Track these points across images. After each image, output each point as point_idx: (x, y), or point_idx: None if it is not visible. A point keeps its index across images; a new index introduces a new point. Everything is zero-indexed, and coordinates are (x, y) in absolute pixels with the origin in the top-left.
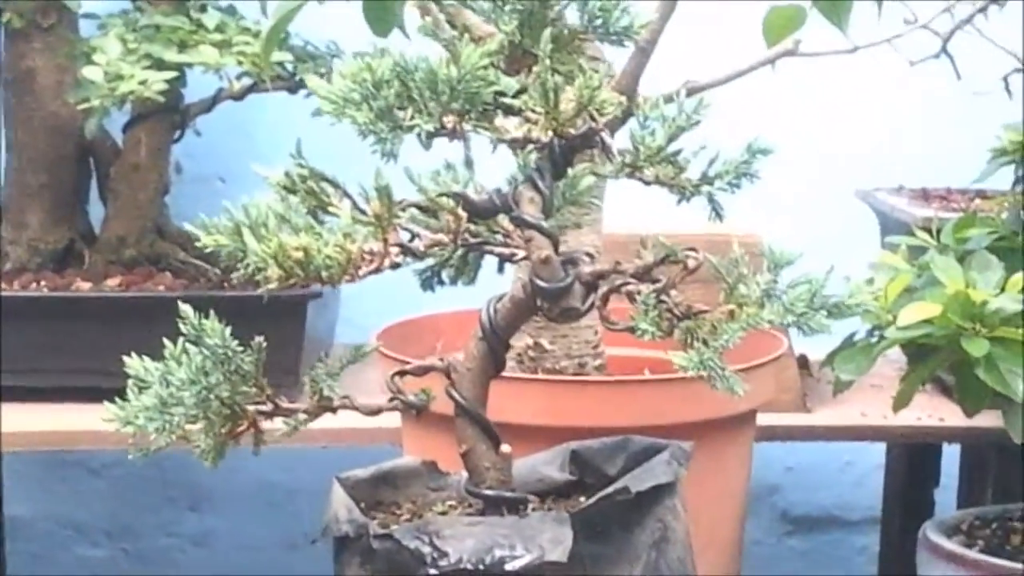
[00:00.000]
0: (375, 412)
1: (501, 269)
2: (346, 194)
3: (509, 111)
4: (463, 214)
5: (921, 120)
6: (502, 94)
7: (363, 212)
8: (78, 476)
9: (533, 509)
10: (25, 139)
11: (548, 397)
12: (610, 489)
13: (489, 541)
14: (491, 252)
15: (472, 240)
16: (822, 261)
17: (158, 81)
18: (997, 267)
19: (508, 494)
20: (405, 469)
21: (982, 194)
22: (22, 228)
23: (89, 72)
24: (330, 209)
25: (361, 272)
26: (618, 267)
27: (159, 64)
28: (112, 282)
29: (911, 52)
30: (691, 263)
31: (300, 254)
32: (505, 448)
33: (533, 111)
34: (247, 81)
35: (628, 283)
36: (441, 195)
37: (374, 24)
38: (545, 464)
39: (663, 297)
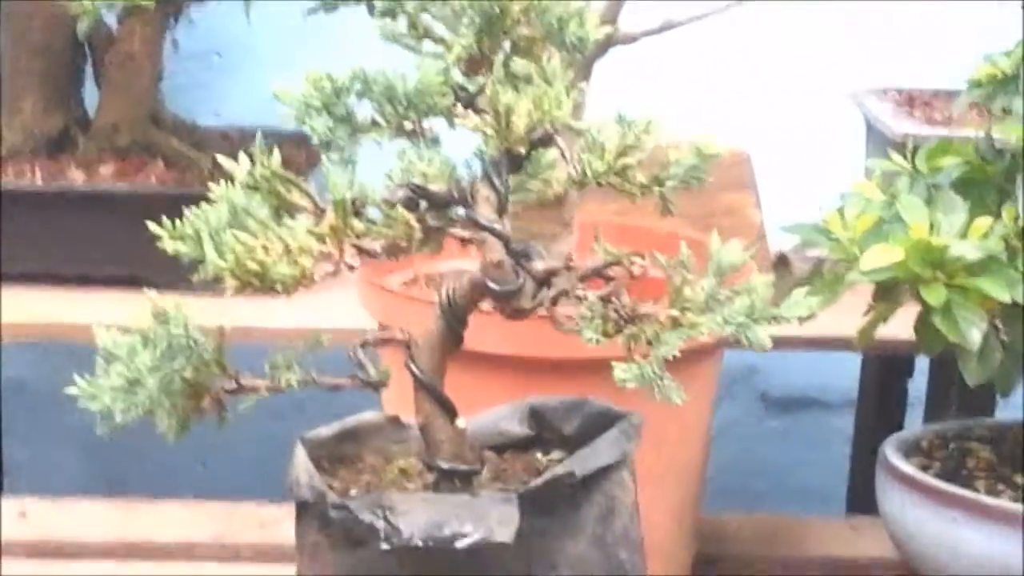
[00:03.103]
0: (335, 388)
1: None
2: (307, 195)
3: (469, 105)
4: (416, 225)
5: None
6: (463, 89)
7: (318, 223)
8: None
9: (487, 474)
10: (20, 24)
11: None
12: (556, 472)
13: (440, 518)
14: (451, 236)
15: (431, 227)
16: (813, 170)
17: None
18: (962, 208)
19: (460, 467)
20: (368, 424)
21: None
22: (17, 113)
23: None
24: (289, 216)
25: (316, 280)
26: (569, 264)
27: None
28: (105, 170)
29: None
30: (636, 270)
31: (256, 267)
32: (460, 422)
33: (484, 131)
34: None
35: (576, 288)
36: (400, 187)
37: None
38: (505, 419)
39: (610, 299)
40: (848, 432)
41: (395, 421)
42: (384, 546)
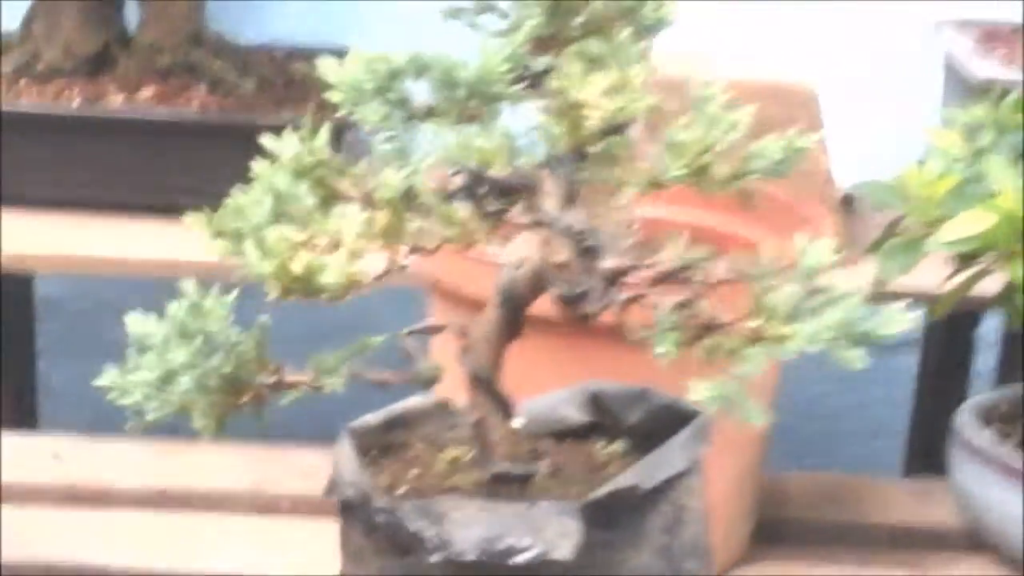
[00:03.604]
0: (383, 383)
1: None
2: (358, 183)
3: (534, 86)
4: (475, 226)
5: None
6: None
7: (367, 214)
8: None
9: (544, 470)
10: None
11: None
12: (620, 483)
13: (496, 530)
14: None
15: (489, 212)
16: (886, 108)
17: None
18: None
19: (516, 470)
20: (417, 410)
21: None
22: (56, 29)
23: None
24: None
25: (366, 287)
26: (642, 261)
27: None
28: (146, 92)
29: None
30: (716, 275)
31: (301, 271)
32: (517, 421)
33: (552, 128)
34: None
35: (648, 294)
36: (456, 173)
37: None
38: (565, 404)
39: (687, 306)
40: (912, 372)
41: (445, 406)
42: (434, 558)
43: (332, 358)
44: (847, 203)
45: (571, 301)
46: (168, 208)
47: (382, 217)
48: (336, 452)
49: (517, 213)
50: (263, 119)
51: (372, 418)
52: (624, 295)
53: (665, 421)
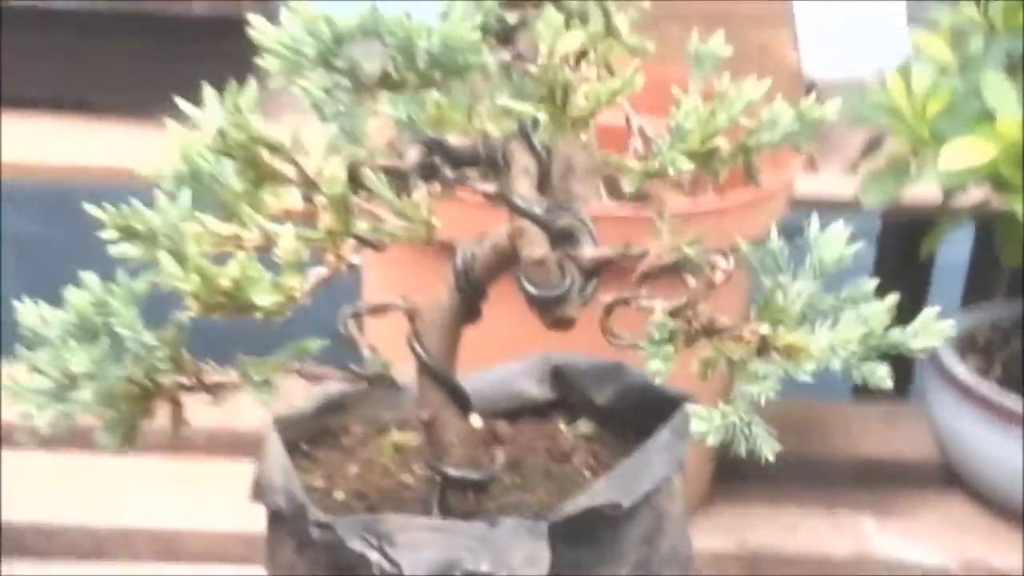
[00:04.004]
0: (318, 380)
1: None
2: (296, 163)
3: (505, 42)
4: (436, 223)
5: None
6: (501, 21)
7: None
8: None
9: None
10: None
11: None
12: (598, 501)
13: (451, 554)
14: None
15: (448, 179)
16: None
17: None
18: None
19: (473, 476)
20: (356, 390)
21: None
22: None
23: None
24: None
25: (306, 296)
26: (628, 249)
27: None
28: None
29: None
30: (719, 276)
31: (229, 284)
32: (476, 420)
33: (535, 113)
34: None
35: (637, 296)
36: (411, 144)
37: None
38: (522, 376)
39: (684, 311)
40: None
41: (386, 380)
42: None
43: (261, 363)
44: (809, 91)
45: (545, 304)
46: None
47: (326, 218)
48: (262, 449)
49: (479, 181)
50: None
51: (304, 404)
52: (609, 297)
53: (639, 403)
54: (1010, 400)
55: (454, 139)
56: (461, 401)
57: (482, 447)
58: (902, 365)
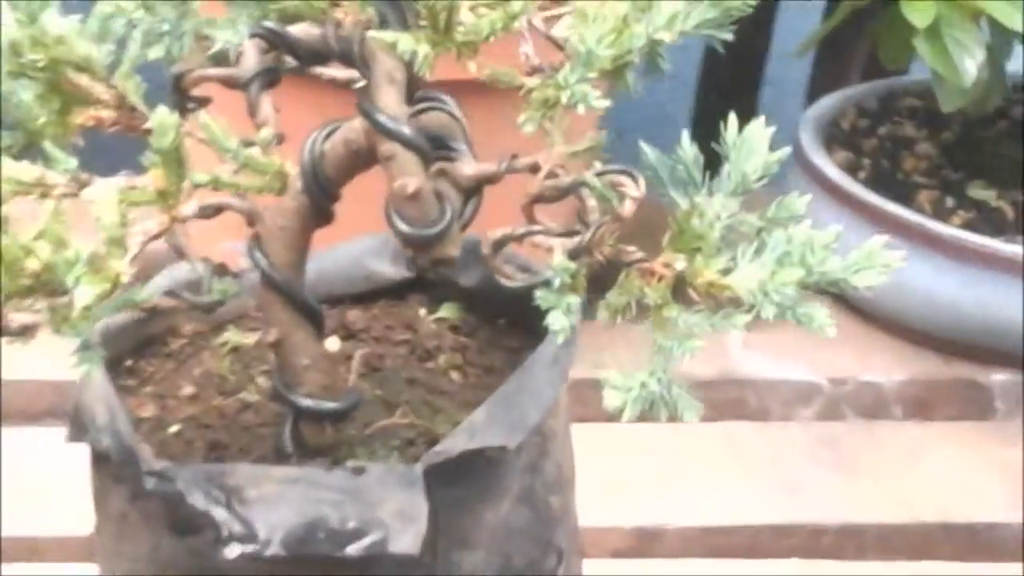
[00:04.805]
0: (154, 311)
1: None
2: (112, 86)
3: None
4: (291, 172)
5: None
6: None
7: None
8: None
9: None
10: None
11: None
12: (480, 444)
13: (312, 511)
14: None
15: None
16: None
17: None
18: None
19: (328, 405)
20: (185, 282)
21: None
22: None
23: None
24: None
25: (133, 283)
26: (513, 163)
27: None
28: None
29: None
30: (627, 207)
31: (37, 266)
32: (332, 343)
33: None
34: None
35: (531, 231)
36: (252, 36)
37: None
38: (373, 255)
39: (590, 251)
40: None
41: (221, 270)
42: (230, 552)
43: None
44: None
45: (422, 243)
46: None
47: (156, 177)
48: (79, 378)
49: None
50: None
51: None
52: (496, 233)
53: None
54: (881, 201)
55: (299, 31)
56: (314, 320)
57: (339, 367)
58: None
